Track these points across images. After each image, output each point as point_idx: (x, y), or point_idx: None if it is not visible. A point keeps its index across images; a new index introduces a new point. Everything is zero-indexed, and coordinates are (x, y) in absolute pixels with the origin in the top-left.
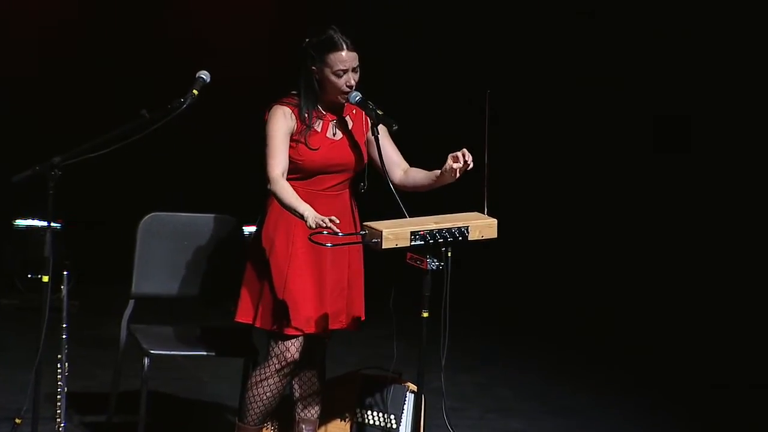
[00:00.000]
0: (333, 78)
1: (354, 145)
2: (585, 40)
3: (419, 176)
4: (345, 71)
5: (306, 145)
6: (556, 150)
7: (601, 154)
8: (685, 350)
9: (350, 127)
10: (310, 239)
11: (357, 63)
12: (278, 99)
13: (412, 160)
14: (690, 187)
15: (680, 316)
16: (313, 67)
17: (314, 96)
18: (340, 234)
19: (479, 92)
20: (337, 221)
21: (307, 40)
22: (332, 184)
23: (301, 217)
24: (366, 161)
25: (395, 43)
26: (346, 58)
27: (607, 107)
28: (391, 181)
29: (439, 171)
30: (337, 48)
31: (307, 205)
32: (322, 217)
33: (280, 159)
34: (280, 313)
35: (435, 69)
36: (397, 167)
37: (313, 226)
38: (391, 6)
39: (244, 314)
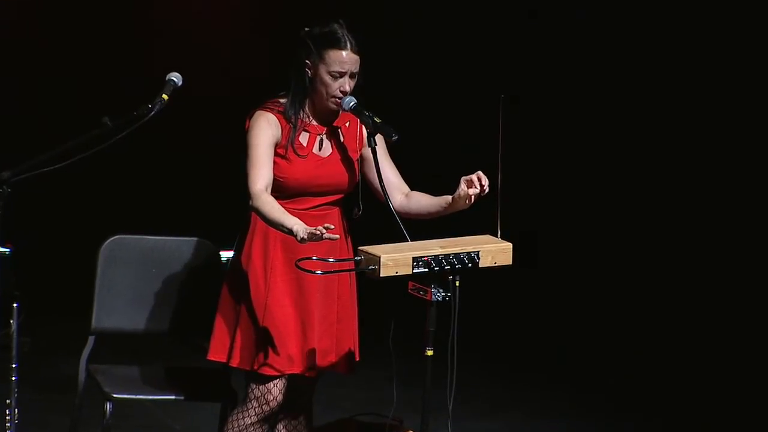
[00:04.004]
0: (327, 78)
1: (345, 163)
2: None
3: (424, 201)
4: (342, 74)
5: (289, 162)
6: (580, 166)
7: (629, 167)
8: (725, 394)
9: (342, 141)
10: (297, 266)
11: (357, 68)
12: (261, 104)
13: (413, 180)
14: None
15: (717, 357)
16: (308, 61)
17: (303, 94)
18: (337, 238)
19: (493, 98)
20: (332, 227)
21: (306, 29)
22: (317, 204)
23: (290, 232)
24: (358, 180)
25: (391, 46)
26: (346, 59)
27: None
28: (390, 203)
29: (450, 197)
30: (339, 45)
31: (297, 219)
32: (314, 228)
33: (264, 172)
34: (259, 350)
35: (437, 75)
36: (397, 190)
37: (306, 239)
38: (385, 6)
39: (218, 352)
